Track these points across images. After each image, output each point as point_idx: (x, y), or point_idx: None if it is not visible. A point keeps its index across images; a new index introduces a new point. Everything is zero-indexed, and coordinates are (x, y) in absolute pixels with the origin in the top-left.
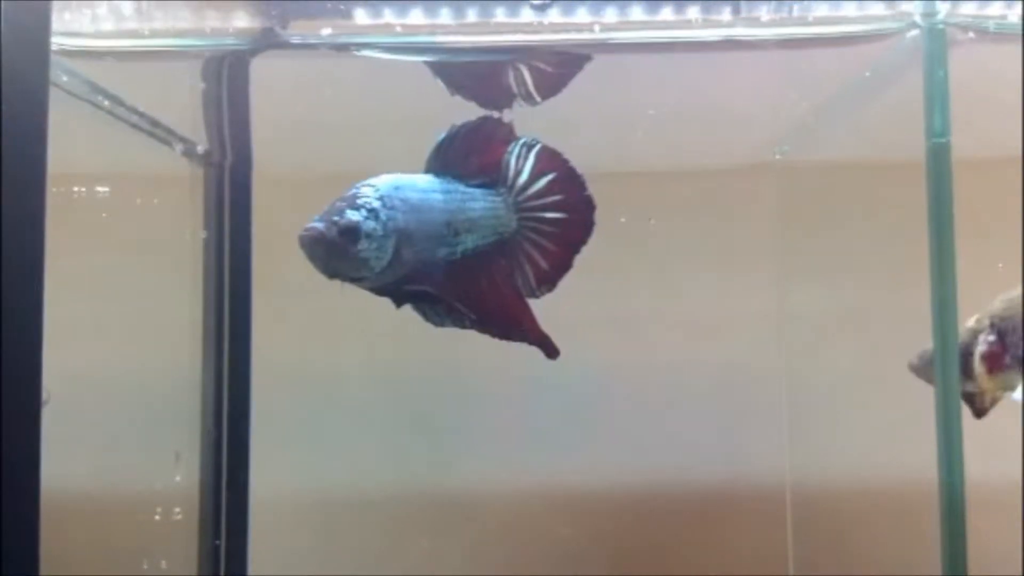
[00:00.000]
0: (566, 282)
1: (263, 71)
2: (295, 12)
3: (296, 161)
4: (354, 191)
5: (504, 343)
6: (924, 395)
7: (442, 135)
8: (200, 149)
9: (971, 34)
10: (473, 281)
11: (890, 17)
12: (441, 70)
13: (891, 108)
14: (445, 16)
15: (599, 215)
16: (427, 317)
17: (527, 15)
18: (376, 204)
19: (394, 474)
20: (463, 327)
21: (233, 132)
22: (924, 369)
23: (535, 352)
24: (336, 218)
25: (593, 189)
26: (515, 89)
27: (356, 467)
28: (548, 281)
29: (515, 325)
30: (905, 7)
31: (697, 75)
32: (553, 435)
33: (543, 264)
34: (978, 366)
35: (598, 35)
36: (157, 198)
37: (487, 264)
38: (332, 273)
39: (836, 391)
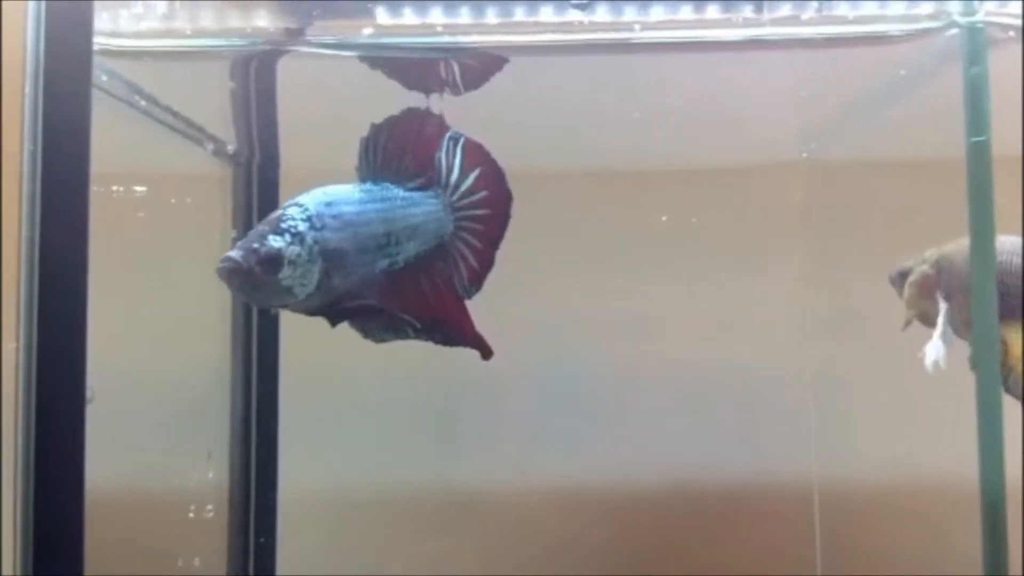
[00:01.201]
0: (589, 281)
1: (289, 70)
2: (322, 12)
3: (322, 160)
4: (280, 212)
5: (535, 341)
6: (953, 393)
7: (366, 135)
8: (230, 149)
9: (1011, 33)
10: (416, 289)
11: (928, 16)
12: (375, 61)
13: (923, 107)
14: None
15: (628, 213)
16: (367, 334)
17: (571, 14)
18: (302, 227)
19: (417, 472)
20: (406, 339)
21: (260, 131)
22: (893, 280)
23: (558, 351)
24: (256, 245)
25: (616, 187)
26: (444, 77)
27: (379, 465)
28: (477, 281)
29: (457, 329)
30: (941, 6)
31: (725, 73)
32: (576, 435)
33: (474, 263)
34: (907, 287)
35: (629, 34)
36: (190, 197)
37: (428, 269)
38: (254, 303)
39: (863, 390)
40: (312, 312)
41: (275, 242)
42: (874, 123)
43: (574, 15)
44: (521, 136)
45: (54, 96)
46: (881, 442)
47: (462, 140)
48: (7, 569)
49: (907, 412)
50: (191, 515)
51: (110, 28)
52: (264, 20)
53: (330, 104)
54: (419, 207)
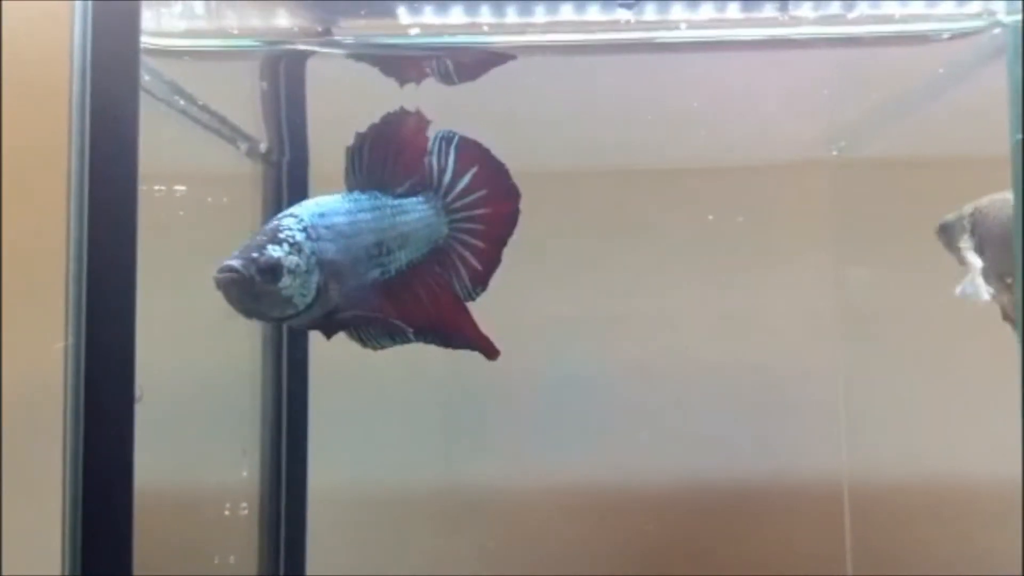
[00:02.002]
0: (617, 279)
1: (318, 68)
2: (344, 12)
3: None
4: (275, 223)
5: (564, 341)
6: (987, 389)
7: (351, 144)
8: (263, 147)
9: None
10: (411, 296)
11: (971, 15)
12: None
13: (957, 105)
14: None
15: (656, 211)
16: (364, 343)
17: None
18: (299, 237)
19: (443, 470)
20: (406, 343)
21: (290, 130)
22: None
23: (584, 350)
24: (255, 255)
25: (645, 185)
26: (433, 71)
27: (405, 463)
28: (482, 281)
29: (456, 332)
30: (985, 5)
31: (759, 70)
32: (601, 434)
33: (476, 264)
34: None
35: (658, 33)
36: (226, 196)
37: (423, 275)
38: (253, 314)
39: (894, 388)
40: (308, 325)
41: (274, 251)
42: (907, 121)
43: (620, 13)
44: (550, 135)
45: (102, 94)
46: (912, 441)
47: (455, 140)
48: (55, 567)
49: (939, 410)
50: (226, 513)
51: (153, 27)
52: (291, 20)
53: (358, 102)
54: (409, 214)
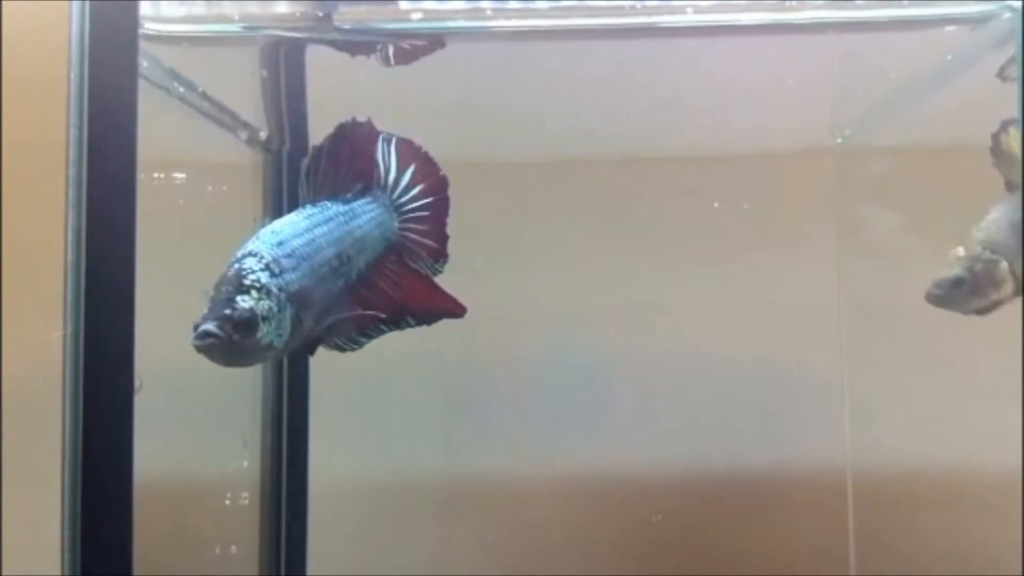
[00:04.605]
0: (619, 268)
1: (317, 56)
2: None
3: None
4: (236, 266)
5: (567, 330)
6: (989, 379)
7: (307, 160)
8: (263, 136)
9: None
10: (375, 290)
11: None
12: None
13: (964, 93)
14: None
15: (657, 199)
16: (343, 348)
17: None
18: (265, 278)
19: (445, 460)
20: (382, 335)
21: (290, 118)
22: (945, 296)
23: (587, 339)
24: (227, 312)
25: (646, 174)
26: (377, 53)
27: (407, 452)
28: (441, 255)
29: (425, 304)
30: None
31: (763, 56)
32: (603, 424)
33: (431, 243)
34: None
35: (659, 17)
36: (226, 185)
37: (381, 268)
38: (236, 366)
39: (898, 379)
40: (288, 353)
41: (244, 302)
42: (914, 109)
43: None
44: (548, 123)
45: (100, 81)
46: (915, 431)
47: (393, 140)
48: (56, 556)
49: (942, 400)
50: (227, 503)
51: (151, 12)
52: (292, 5)
53: (357, 90)
54: (360, 218)
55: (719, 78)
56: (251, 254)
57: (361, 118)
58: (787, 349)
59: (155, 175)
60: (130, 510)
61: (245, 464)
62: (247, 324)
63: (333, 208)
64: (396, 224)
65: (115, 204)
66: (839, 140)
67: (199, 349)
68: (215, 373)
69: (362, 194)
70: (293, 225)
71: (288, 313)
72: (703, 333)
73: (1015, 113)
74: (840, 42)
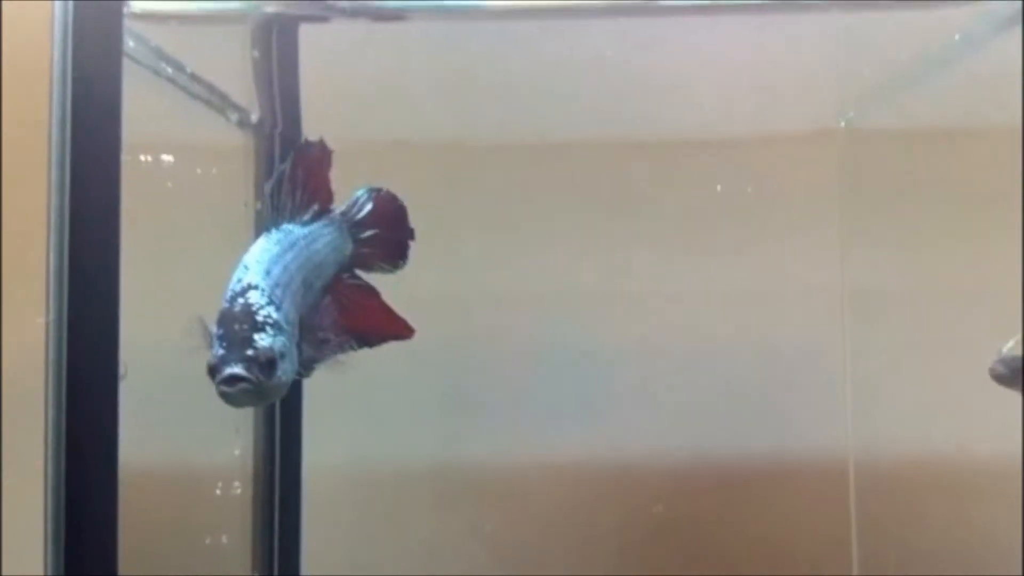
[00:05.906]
0: (619, 254)
1: (310, 36)
2: None
3: (343, 128)
4: (243, 300)
5: (564, 315)
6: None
7: (269, 184)
8: (254, 118)
9: None
10: (327, 313)
11: None
12: None
13: (972, 74)
14: None
15: (658, 184)
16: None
17: None
18: (274, 314)
19: (441, 448)
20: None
21: (283, 100)
22: (1011, 377)
23: (587, 326)
24: (250, 353)
25: (646, 157)
26: None
27: (402, 441)
28: (402, 255)
29: (378, 328)
30: None
31: (765, 36)
32: (604, 411)
33: (391, 249)
34: None
35: None
36: (215, 168)
37: (337, 289)
38: (253, 407)
39: (901, 365)
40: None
41: (263, 341)
42: (920, 91)
43: None
44: (549, 105)
45: (84, 61)
46: (917, 417)
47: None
48: (39, 547)
49: (944, 386)
50: (218, 492)
51: None
52: None
53: (351, 72)
54: (318, 241)
55: (721, 59)
56: (252, 287)
57: (313, 138)
58: (789, 335)
59: (142, 157)
60: (115, 499)
61: (236, 452)
62: (270, 363)
63: (294, 232)
64: (351, 245)
65: (99, 186)
66: (843, 123)
67: (227, 396)
68: (204, 358)
69: (318, 217)
70: (269, 252)
71: (293, 345)
72: (704, 318)
73: None
74: (844, 22)
